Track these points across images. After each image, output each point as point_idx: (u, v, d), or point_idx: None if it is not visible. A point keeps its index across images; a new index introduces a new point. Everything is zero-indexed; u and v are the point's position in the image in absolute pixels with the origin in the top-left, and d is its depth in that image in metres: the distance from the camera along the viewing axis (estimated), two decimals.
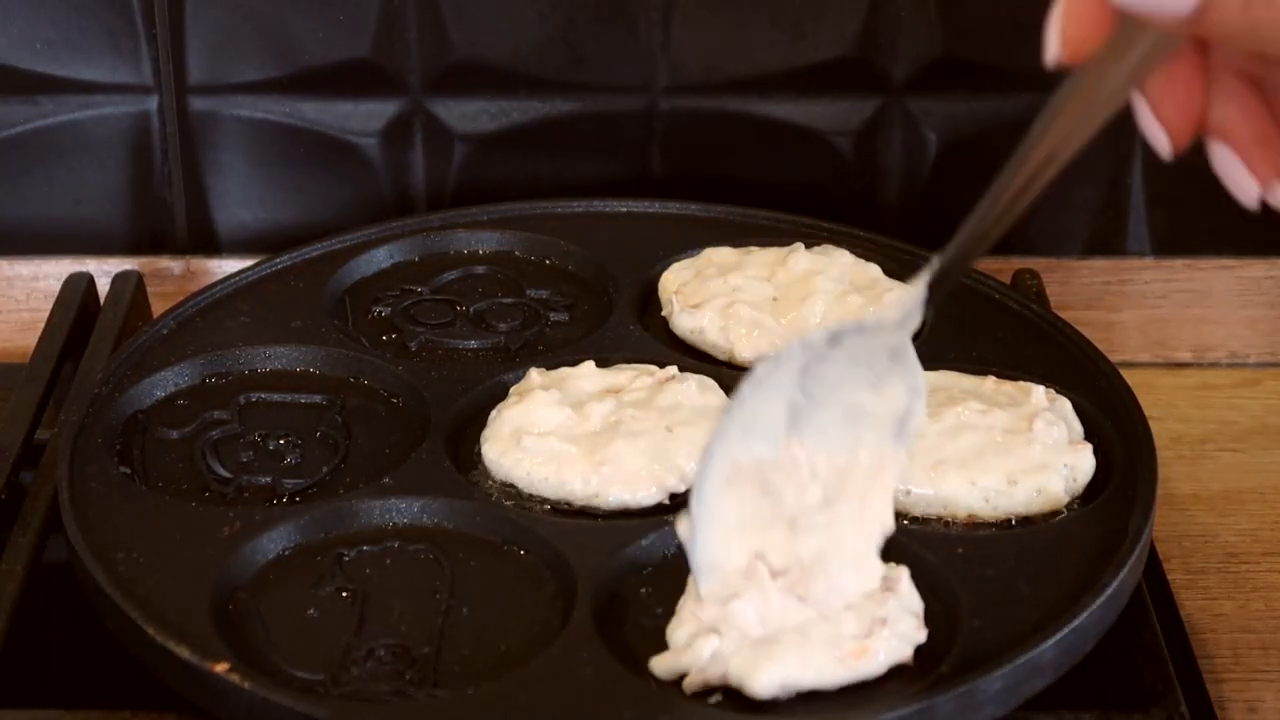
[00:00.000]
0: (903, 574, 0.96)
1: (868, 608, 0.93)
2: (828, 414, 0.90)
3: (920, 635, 0.94)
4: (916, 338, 1.18)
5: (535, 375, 1.11)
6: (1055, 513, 1.03)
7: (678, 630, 0.93)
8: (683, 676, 0.92)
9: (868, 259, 1.22)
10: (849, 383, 0.89)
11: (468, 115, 1.35)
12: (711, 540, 0.90)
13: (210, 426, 1.11)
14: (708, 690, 0.92)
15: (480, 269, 1.26)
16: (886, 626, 0.93)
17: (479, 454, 1.08)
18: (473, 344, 1.19)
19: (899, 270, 1.22)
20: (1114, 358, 1.15)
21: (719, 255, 1.23)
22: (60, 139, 1.35)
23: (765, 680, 0.90)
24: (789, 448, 0.90)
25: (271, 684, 0.91)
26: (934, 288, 0.87)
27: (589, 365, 1.12)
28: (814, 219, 1.28)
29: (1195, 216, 1.37)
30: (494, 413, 1.09)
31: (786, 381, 0.88)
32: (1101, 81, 0.77)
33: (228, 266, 1.36)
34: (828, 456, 0.90)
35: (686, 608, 0.94)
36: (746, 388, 0.87)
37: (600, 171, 1.36)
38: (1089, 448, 1.06)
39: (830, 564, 0.92)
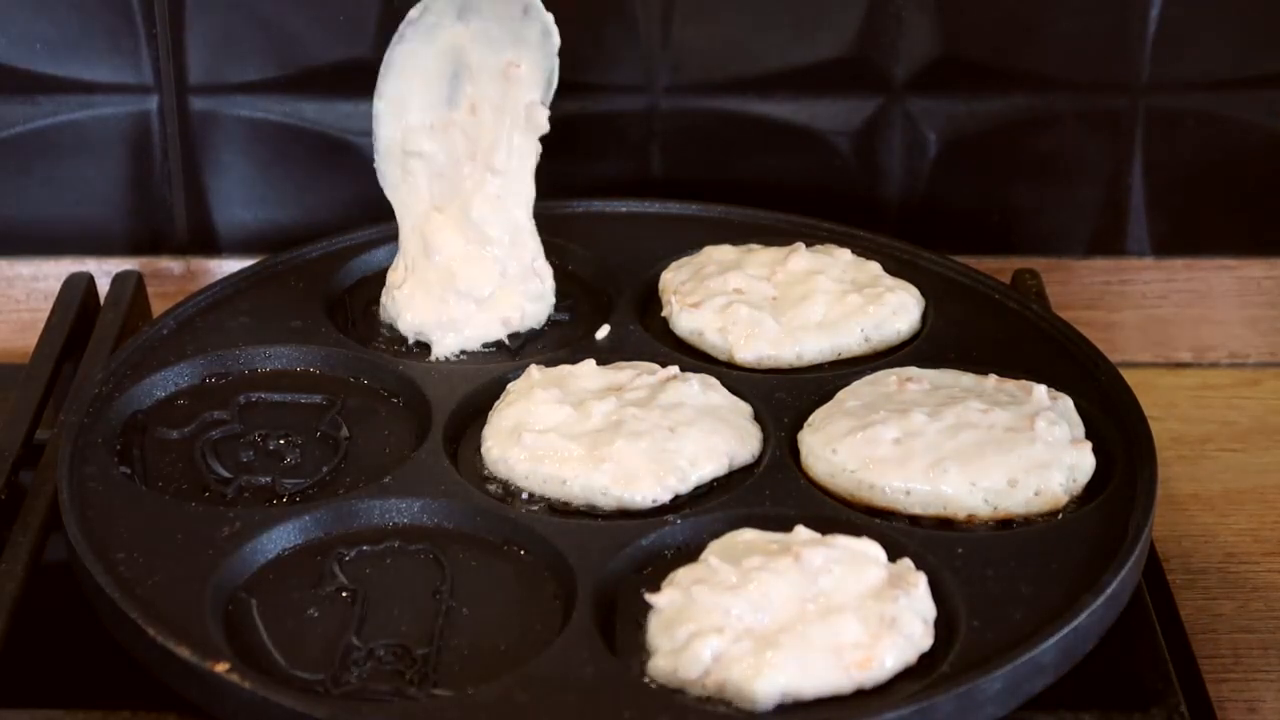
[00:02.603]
0: (921, 580, 0.96)
1: (873, 606, 0.93)
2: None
3: (926, 642, 0.94)
4: (916, 338, 1.19)
5: (535, 372, 1.11)
6: (1055, 513, 1.03)
7: (678, 628, 0.93)
8: (682, 687, 0.92)
9: (868, 258, 1.22)
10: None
11: None
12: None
13: (210, 426, 1.11)
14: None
15: None
16: (895, 630, 0.93)
17: (479, 453, 1.08)
18: None
19: (899, 269, 1.22)
20: (1114, 358, 1.15)
21: (719, 253, 1.23)
22: (60, 139, 1.35)
23: (766, 688, 0.90)
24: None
25: (271, 684, 0.91)
26: None
27: (589, 364, 1.12)
28: (814, 219, 1.28)
29: (1195, 216, 1.37)
30: (494, 411, 1.09)
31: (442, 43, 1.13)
32: None
33: (228, 266, 1.36)
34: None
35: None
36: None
37: (600, 171, 1.36)
38: (1089, 446, 1.06)
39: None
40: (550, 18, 1.14)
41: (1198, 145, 1.35)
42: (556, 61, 1.15)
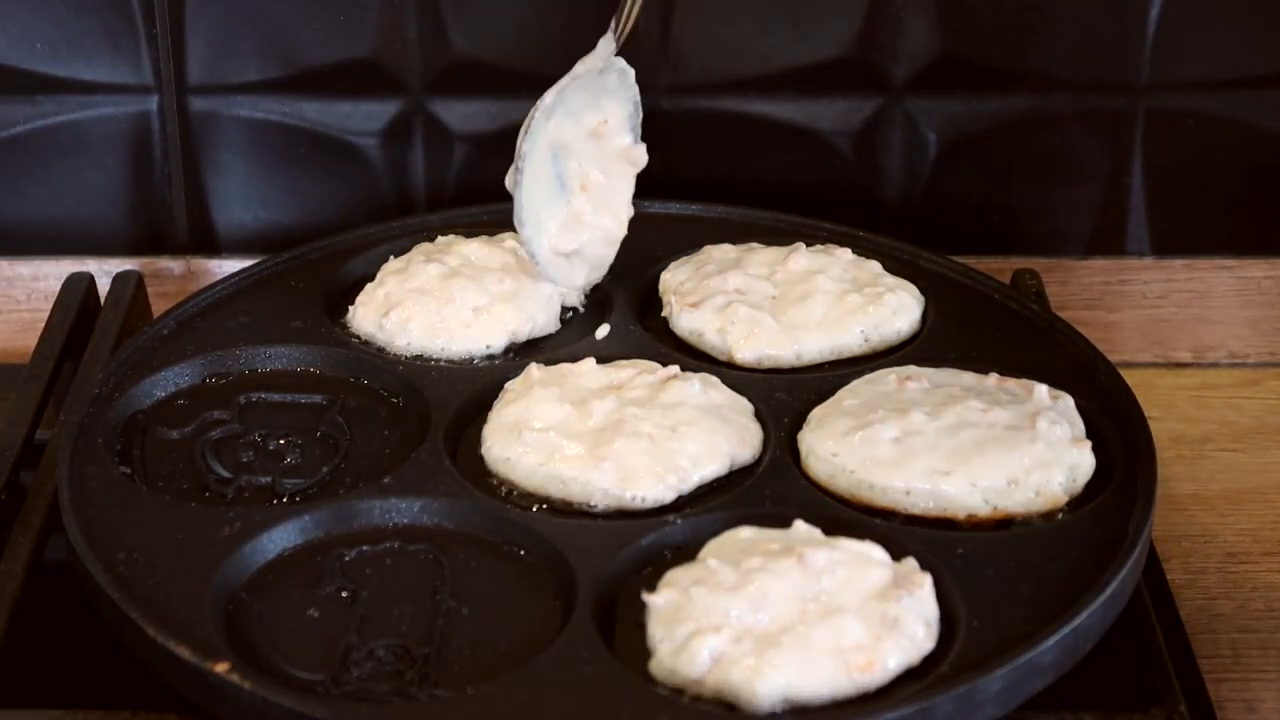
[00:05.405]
0: (926, 580, 0.96)
1: (875, 607, 0.93)
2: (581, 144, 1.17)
3: (929, 645, 0.94)
4: (916, 338, 1.19)
5: (535, 371, 1.11)
6: (1055, 513, 1.03)
7: (677, 628, 0.93)
8: (682, 687, 0.92)
9: (868, 258, 1.22)
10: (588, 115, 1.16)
11: (468, 115, 1.35)
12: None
13: (210, 426, 1.11)
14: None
15: None
16: (897, 632, 0.92)
17: (479, 453, 1.08)
18: None
19: (899, 269, 1.22)
20: (1114, 358, 1.15)
21: (719, 252, 1.23)
22: (60, 139, 1.35)
23: (766, 689, 0.90)
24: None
25: (271, 684, 0.91)
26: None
27: (589, 362, 1.12)
28: (814, 219, 1.28)
29: (1195, 216, 1.37)
30: (494, 410, 1.09)
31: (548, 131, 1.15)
32: None
33: (228, 266, 1.36)
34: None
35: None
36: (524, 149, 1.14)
37: None
38: (1089, 445, 1.05)
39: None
40: (623, 61, 1.16)
41: (1198, 145, 1.34)
42: (636, 91, 1.17)
